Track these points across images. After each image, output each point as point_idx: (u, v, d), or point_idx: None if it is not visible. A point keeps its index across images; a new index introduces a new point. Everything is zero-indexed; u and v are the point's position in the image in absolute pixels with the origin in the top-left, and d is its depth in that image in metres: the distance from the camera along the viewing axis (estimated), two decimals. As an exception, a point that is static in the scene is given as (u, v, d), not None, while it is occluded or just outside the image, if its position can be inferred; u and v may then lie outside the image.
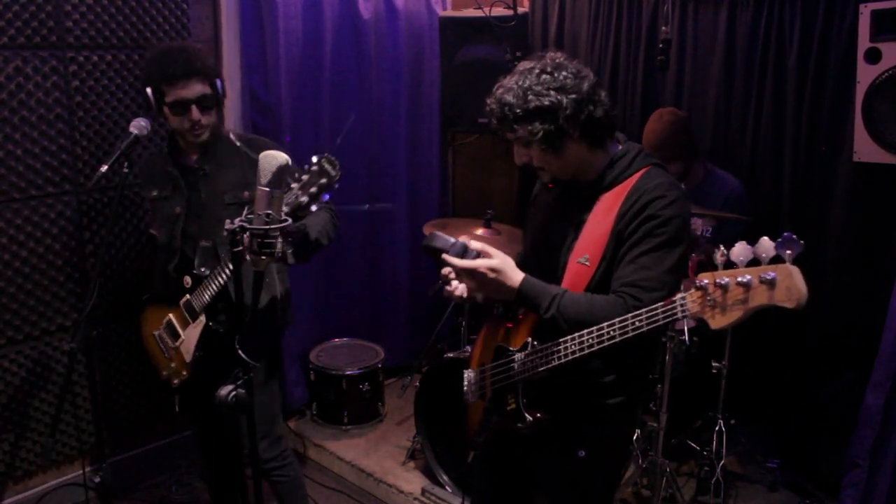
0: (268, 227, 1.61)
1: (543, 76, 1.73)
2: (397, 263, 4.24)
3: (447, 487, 3.12)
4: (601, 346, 1.65)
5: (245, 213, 1.65)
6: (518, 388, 1.85)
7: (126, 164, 2.26)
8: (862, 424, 2.57)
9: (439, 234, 1.86)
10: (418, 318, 4.24)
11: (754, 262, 1.43)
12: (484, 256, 1.77)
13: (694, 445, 3.20)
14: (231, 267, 2.18)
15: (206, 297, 2.29)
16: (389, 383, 4.06)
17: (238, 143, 2.39)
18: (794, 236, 1.38)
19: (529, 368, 1.81)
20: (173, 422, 3.38)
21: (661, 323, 1.56)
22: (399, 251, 4.23)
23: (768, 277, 1.38)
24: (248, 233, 1.62)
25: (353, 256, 4.11)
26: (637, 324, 1.59)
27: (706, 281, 1.46)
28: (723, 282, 1.43)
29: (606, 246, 1.75)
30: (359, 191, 4.05)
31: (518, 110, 1.71)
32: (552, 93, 1.71)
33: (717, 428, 3.04)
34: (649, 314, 1.58)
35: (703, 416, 3.22)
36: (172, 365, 2.45)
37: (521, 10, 3.76)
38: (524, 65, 1.78)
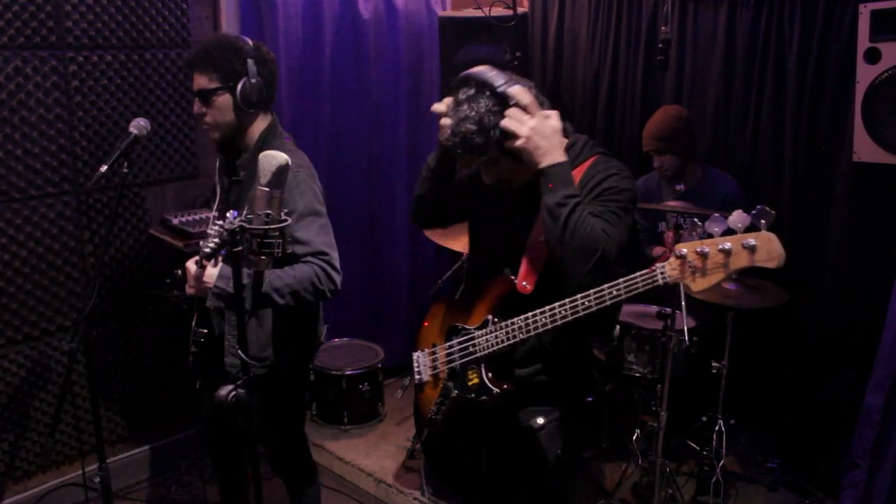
0: (267, 227, 1.61)
1: (492, 97, 1.77)
2: (397, 263, 4.24)
3: (447, 486, 3.12)
4: (575, 316, 1.73)
5: (245, 213, 1.64)
6: (480, 363, 1.93)
7: (126, 164, 2.24)
8: (862, 424, 2.57)
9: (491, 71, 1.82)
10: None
11: (728, 232, 1.60)
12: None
13: (694, 445, 3.20)
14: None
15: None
16: (389, 383, 4.06)
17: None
18: (767, 207, 1.56)
19: (493, 344, 1.89)
20: (173, 422, 3.38)
21: (640, 290, 1.67)
22: (399, 251, 4.23)
23: (750, 243, 1.55)
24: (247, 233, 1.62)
25: (353, 256, 4.11)
26: (615, 293, 1.69)
27: (685, 250, 1.62)
28: (703, 250, 1.60)
29: None
30: (358, 191, 4.05)
31: (482, 136, 1.75)
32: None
33: (716, 428, 3.04)
34: (628, 283, 1.68)
35: (702, 416, 3.22)
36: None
37: (520, 10, 3.76)
38: (465, 92, 1.81)
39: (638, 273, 1.68)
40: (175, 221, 2.90)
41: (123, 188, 2.29)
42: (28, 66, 2.72)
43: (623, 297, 1.68)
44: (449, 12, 4.05)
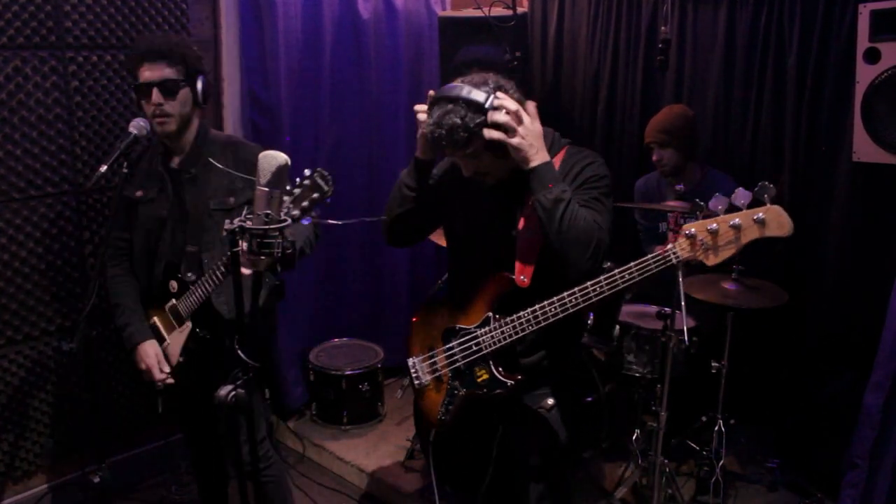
0: (267, 227, 1.61)
1: (501, 84, 1.84)
2: (397, 263, 4.23)
3: (446, 487, 3.11)
4: (587, 302, 1.80)
5: (244, 213, 1.64)
6: (488, 359, 1.98)
7: (125, 164, 2.24)
8: (862, 424, 2.57)
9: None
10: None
11: (732, 208, 1.69)
12: None
13: (694, 445, 3.20)
14: (219, 274, 2.17)
15: (192, 302, 2.27)
16: (389, 383, 4.06)
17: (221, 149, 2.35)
18: (767, 182, 1.66)
19: (500, 339, 1.94)
20: (166, 420, 3.38)
21: (653, 272, 1.75)
22: (399, 251, 4.23)
23: (760, 217, 1.66)
24: (246, 234, 1.62)
25: (353, 256, 4.11)
26: (627, 276, 1.76)
27: (694, 230, 1.71)
28: (713, 227, 1.69)
29: None
30: (358, 191, 4.05)
31: (466, 129, 1.78)
32: None
33: (716, 428, 3.04)
34: (640, 265, 1.76)
35: (702, 416, 3.22)
36: (167, 370, 2.41)
37: (520, 10, 3.76)
38: (448, 88, 1.85)
39: (650, 256, 1.75)
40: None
41: (123, 188, 2.30)
42: (28, 66, 2.72)
43: (636, 279, 1.75)
44: (449, 12, 4.04)
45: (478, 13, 3.64)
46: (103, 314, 3.04)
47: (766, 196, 1.65)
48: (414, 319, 2.19)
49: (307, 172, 1.78)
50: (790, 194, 3.23)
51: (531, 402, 2.06)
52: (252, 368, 1.73)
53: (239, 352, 1.71)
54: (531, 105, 1.87)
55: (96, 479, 2.28)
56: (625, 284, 1.77)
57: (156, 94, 2.20)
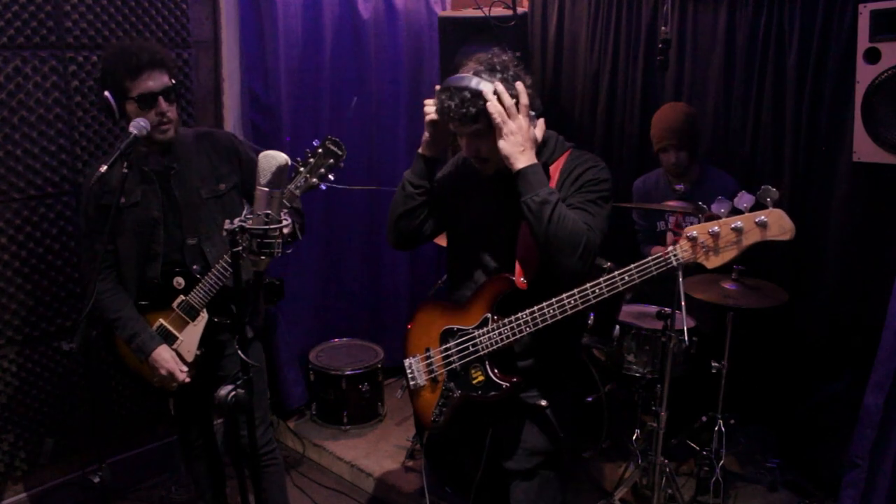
0: (267, 227, 1.61)
1: (511, 71, 1.85)
2: (397, 263, 4.23)
3: (446, 487, 3.12)
4: (586, 304, 1.80)
5: (244, 213, 1.64)
6: (484, 360, 1.97)
7: (126, 164, 2.24)
8: (862, 424, 2.57)
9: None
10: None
11: (734, 211, 1.69)
12: None
13: (693, 445, 3.20)
14: (228, 260, 2.19)
15: (204, 293, 2.29)
16: (389, 383, 4.06)
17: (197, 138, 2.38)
18: (769, 186, 1.66)
19: (497, 341, 1.93)
20: (172, 422, 3.38)
21: (653, 274, 1.75)
22: (399, 251, 4.23)
23: (762, 220, 1.66)
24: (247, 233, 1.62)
25: (353, 256, 4.11)
26: (627, 278, 1.76)
27: (695, 232, 1.71)
28: (715, 230, 1.69)
29: None
30: (358, 192, 4.04)
31: (476, 105, 1.80)
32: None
33: (716, 428, 3.04)
34: (640, 267, 1.76)
35: (702, 416, 3.22)
36: (186, 369, 2.40)
37: (520, 10, 3.76)
38: (471, 65, 1.86)
39: (650, 258, 1.76)
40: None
41: (123, 188, 2.29)
42: (28, 66, 2.72)
43: (636, 281, 1.76)
44: (449, 12, 4.04)
45: (478, 13, 3.64)
46: (103, 314, 3.04)
47: (768, 199, 1.65)
48: (411, 322, 2.18)
49: (316, 142, 1.81)
50: (790, 194, 3.23)
51: (524, 402, 2.05)
52: (254, 367, 1.73)
53: (239, 352, 1.71)
54: (541, 124, 1.88)
55: (96, 479, 2.28)
56: (624, 286, 1.77)
57: (163, 103, 2.21)
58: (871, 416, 2.53)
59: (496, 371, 1.97)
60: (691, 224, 3.26)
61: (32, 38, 2.72)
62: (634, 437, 3.11)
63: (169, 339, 2.37)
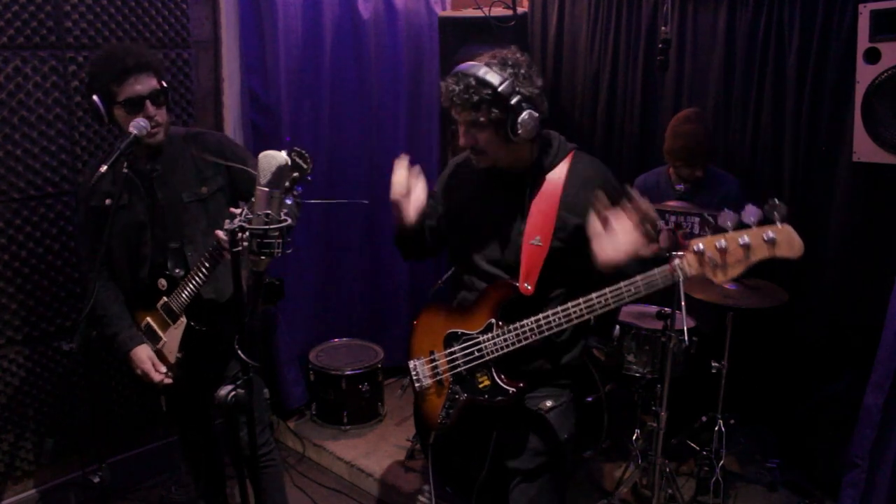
0: (267, 227, 1.61)
1: (522, 70, 1.85)
2: (397, 263, 4.23)
3: (446, 487, 3.12)
4: (591, 314, 1.80)
5: (244, 213, 1.64)
6: (490, 365, 1.96)
7: (126, 164, 2.24)
8: (862, 424, 2.57)
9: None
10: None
11: (741, 226, 1.64)
12: None
13: (693, 445, 3.20)
14: (205, 267, 2.18)
15: (184, 297, 2.27)
16: (389, 383, 4.06)
17: (189, 142, 2.36)
18: (777, 201, 1.61)
19: (502, 347, 1.93)
20: (170, 418, 3.38)
21: (659, 287, 1.73)
22: (399, 251, 4.23)
23: (770, 236, 1.61)
24: (247, 233, 1.61)
25: (353, 256, 4.11)
26: (633, 290, 1.75)
27: (702, 246, 1.67)
28: (722, 244, 1.65)
29: (555, 225, 1.91)
30: (358, 190, 4.05)
31: (479, 93, 1.80)
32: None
33: (716, 428, 3.04)
34: (647, 279, 1.73)
35: (702, 416, 3.22)
36: (164, 370, 2.40)
37: (520, 10, 3.76)
38: (484, 57, 1.86)
39: (657, 270, 1.74)
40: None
41: (123, 188, 2.30)
42: (28, 66, 2.72)
43: (642, 293, 1.74)
44: (449, 12, 4.05)
45: (478, 13, 3.64)
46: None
47: (776, 214, 1.61)
48: (416, 321, 2.18)
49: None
50: (790, 194, 3.23)
51: (529, 404, 2.05)
52: (253, 367, 1.73)
53: (239, 352, 1.71)
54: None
55: (96, 479, 2.28)
56: (630, 298, 1.75)
57: (150, 107, 2.19)
58: (871, 416, 2.54)
59: (503, 376, 1.96)
60: (692, 225, 3.27)
61: (32, 38, 2.72)
62: (634, 437, 3.11)
63: (154, 338, 2.38)
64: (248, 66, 3.41)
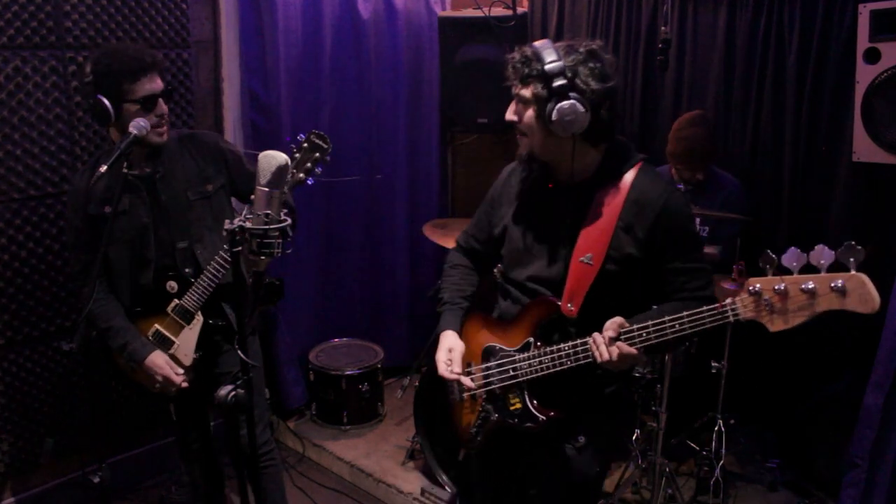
0: (267, 227, 1.61)
1: (590, 63, 1.73)
2: (397, 263, 4.24)
3: (446, 487, 3.12)
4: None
5: (244, 213, 1.64)
6: (524, 387, 1.85)
7: (126, 164, 2.24)
8: (862, 424, 2.57)
9: None
10: (418, 318, 4.24)
11: (809, 268, 1.44)
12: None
13: (693, 445, 3.20)
14: (220, 261, 2.19)
15: (200, 296, 2.27)
16: (389, 383, 4.06)
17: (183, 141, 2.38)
18: (854, 243, 1.42)
19: (537, 369, 1.82)
20: (187, 427, 3.38)
21: (707, 327, 1.58)
22: (399, 251, 4.23)
23: (838, 286, 1.42)
24: (246, 233, 1.61)
25: (353, 256, 4.11)
26: (678, 327, 1.61)
27: (759, 286, 1.48)
28: (781, 288, 1.45)
29: (610, 245, 1.77)
30: (358, 191, 4.05)
31: (529, 67, 1.73)
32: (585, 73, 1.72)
33: (716, 428, 3.04)
34: (693, 318, 1.59)
35: (702, 416, 3.22)
36: (182, 372, 2.38)
37: (520, 9, 3.76)
38: (561, 42, 1.78)
39: (706, 308, 1.59)
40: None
41: (123, 188, 2.29)
42: (28, 66, 2.71)
43: (687, 332, 1.60)
44: (448, 12, 4.05)
45: (478, 13, 3.64)
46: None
47: (851, 260, 1.42)
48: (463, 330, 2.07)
49: (301, 136, 1.77)
50: (790, 194, 3.23)
51: (561, 438, 1.91)
52: (254, 367, 1.73)
53: (238, 352, 1.71)
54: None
55: (96, 479, 2.28)
56: (674, 335, 1.61)
57: (162, 105, 2.21)
58: (871, 416, 2.53)
59: (535, 402, 1.84)
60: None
61: (32, 38, 2.72)
62: (634, 437, 3.11)
63: (165, 343, 2.35)
64: (247, 66, 3.41)
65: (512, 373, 1.87)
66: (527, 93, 1.75)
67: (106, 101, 2.15)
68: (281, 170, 1.62)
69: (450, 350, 1.97)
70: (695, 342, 2.96)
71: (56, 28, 2.77)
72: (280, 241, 1.64)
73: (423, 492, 3.19)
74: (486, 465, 2.13)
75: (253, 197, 1.64)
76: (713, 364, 2.99)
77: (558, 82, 1.68)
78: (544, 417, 1.83)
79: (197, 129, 3.13)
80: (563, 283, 1.82)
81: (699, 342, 3.01)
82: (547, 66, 1.69)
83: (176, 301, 2.32)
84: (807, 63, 3.09)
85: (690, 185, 3.22)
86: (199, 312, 2.32)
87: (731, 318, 1.54)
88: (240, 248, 1.63)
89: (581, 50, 1.72)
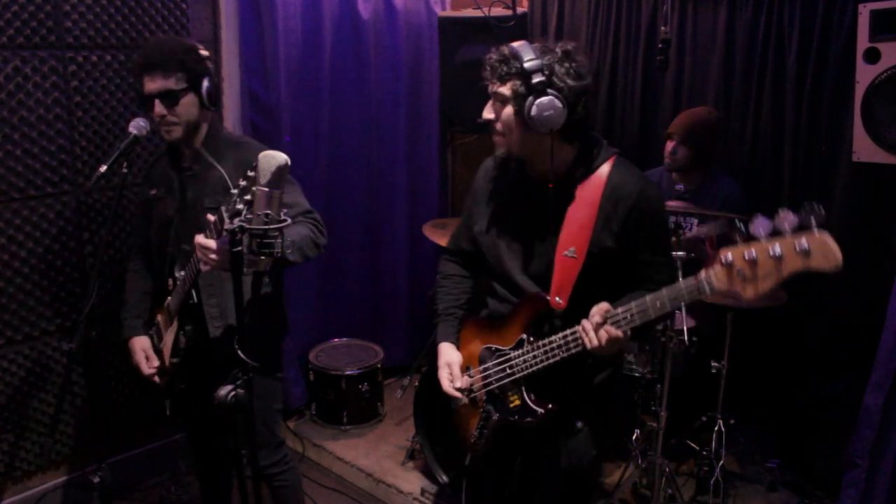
0: (267, 227, 1.61)
1: (565, 62, 1.77)
2: (397, 263, 4.24)
3: (446, 488, 3.11)
4: (618, 330, 1.71)
5: (244, 213, 1.64)
6: (520, 384, 1.89)
7: (125, 164, 2.24)
8: (861, 424, 2.57)
9: None
10: (418, 318, 4.24)
11: (775, 233, 1.48)
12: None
13: (693, 445, 3.20)
14: (193, 271, 2.15)
15: (177, 301, 2.27)
16: (389, 383, 4.06)
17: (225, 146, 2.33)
18: (816, 205, 1.48)
19: (532, 364, 1.85)
20: (172, 423, 3.38)
21: (685, 301, 1.64)
22: (399, 251, 4.24)
23: (804, 247, 1.46)
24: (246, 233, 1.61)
25: (353, 256, 4.11)
26: (659, 305, 1.66)
27: (731, 256, 1.52)
28: (752, 255, 1.50)
29: (591, 239, 1.83)
30: (358, 191, 4.05)
31: (508, 66, 1.77)
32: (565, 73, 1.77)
33: (716, 428, 3.04)
34: (672, 294, 1.64)
35: (702, 416, 3.22)
36: (156, 365, 2.42)
37: (520, 9, 3.76)
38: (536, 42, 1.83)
39: (682, 283, 1.64)
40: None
41: (123, 188, 2.29)
42: (27, 66, 2.71)
43: (668, 309, 1.66)
44: (448, 12, 4.05)
45: (478, 13, 3.64)
46: (103, 314, 3.04)
47: (812, 220, 1.47)
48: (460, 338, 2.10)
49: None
50: (790, 194, 3.23)
51: (559, 426, 1.97)
52: (253, 368, 1.73)
53: (238, 352, 1.71)
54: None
55: (96, 479, 2.28)
56: (656, 315, 1.67)
57: (158, 107, 2.18)
58: (870, 416, 2.53)
59: (532, 396, 1.89)
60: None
61: (32, 38, 2.72)
62: (634, 437, 3.11)
63: (159, 336, 2.40)
64: (247, 66, 3.41)
65: (508, 371, 1.91)
66: (505, 90, 1.79)
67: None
68: (281, 170, 1.62)
69: (448, 365, 2.03)
70: (695, 342, 2.96)
71: (56, 28, 2.77)
72: (280, 240, 1.64)
73: (423, 492, 3.20)
74: (489, 463, 2.15)
75: (252, 197, 1.63)
76: (713, 364, 2.99)
77: (537, 79, 1.73)
78: (542, 411, 1.88)
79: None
80: (549, 277, 1.87)
81: (699, 342, 3.01)
82: (526, 64, 1.74)
83: (168, 298, 2.34)
84: (807, 63, 3.10)
85: (691, 186, 3.22)
86: (176, 320, 2.31)
87: (708, 291, 1.59)
88: (240, 247, 1.63)
89: (557, 50, 1.78)
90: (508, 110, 1.80)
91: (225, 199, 2.06)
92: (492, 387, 1.94)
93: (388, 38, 3.94)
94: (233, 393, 1.71)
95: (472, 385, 2.00)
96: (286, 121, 3.57)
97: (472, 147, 4.37)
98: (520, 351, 1.89)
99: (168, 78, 2.16)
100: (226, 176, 2.13)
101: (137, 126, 2.26)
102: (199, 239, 1.92)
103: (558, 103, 1.73)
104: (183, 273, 2.25)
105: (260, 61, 3.47)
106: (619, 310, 1.71)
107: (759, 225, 1.50)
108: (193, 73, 2.19)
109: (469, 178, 4.64)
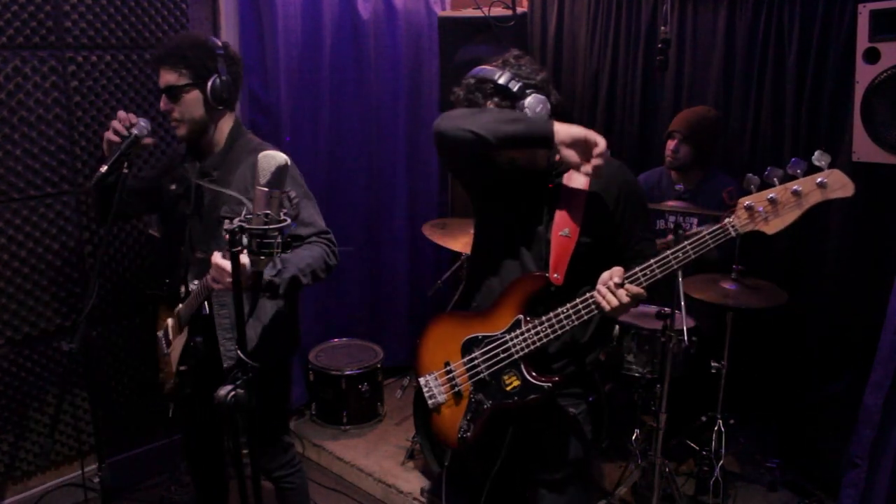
0: (267, 227, 1.61)
1: (509, 66, 1.89)
2: (397, 263, 4.24)
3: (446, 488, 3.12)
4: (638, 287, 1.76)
5: (244, 213, 1.64)
6: (518, 364, 1.91)
7: (126, 164, 2.23)
8: (861, 424, 2.57)
9: None
10: (418, 318, 4.24)
11: (788, 178, 1.67)
12: None
13: (693, 445, 3.20)
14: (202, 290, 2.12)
15: (188, 311, 2.22)
16: (389, 383, 4.06)
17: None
18: (821, 151, 1.66)
19: (533, 341, 1.87)
20: (172, 423, 3.38)
21: (710, 246, 1.71)
22: (399, 251, 4.23)
23: (822, 181, 1.64)
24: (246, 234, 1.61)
25: (353, 256, 4.11)
26: (682, 255, 1.72)
27: (751, 202, 1.67)
28: (773, 196, 1.66)
29: (584, 219, 1.90)
30: (358, 191, 4.05)
31: (482, 90, 1.85)
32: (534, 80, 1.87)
33: (716, 428, 3.04)
34: (695, 242, 1.71)
35: (702, 416, 3.22)
36: (164, 370, 2.41)
37: (520, 9, 3.76)
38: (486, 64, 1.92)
39: (705, 229, 1.73)
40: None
41: (123, 189, 2.28)
42: (27, 66, 2.71)
43: (691, 258, 1.72)
44: (448, 12, 4.05)
45: (478, 13, 3.64)
46: (103, 314, 3.05)
47: (823, 162, 1.64)
48: (424, 335, 2.10)
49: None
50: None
51: (560, 407, 1.99)
52: (253, 369, 1.73)
53: (238, 352, 1.71)
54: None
55: (96, 479, 2.28)
56: (679, 264, 1.73)
57: (163, 101, 2.17)
58: (870, 416, 2.54)
59: (533, 373, 1.90)
60: (692, 225, 3.27)
61: (32, 38, 2.72)
62: (634, 437, 3.11)
63: (168, 342, 2.37)
64: (247, 66, 3.38)
65: (503, 354, 1.91)
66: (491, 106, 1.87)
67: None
68: (280, 170, 1.62)
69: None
70: (695, 342, 2.96)
71: (56, 28, 2.77)
72: (280, 241, 1.63)
73: (422, 492, 3.20)
74: (480, 457, 2.13)
75: (252, 197, 1.63)
76: (713, 364, 2.99)
77: (515, 87, 1.83)
78: (549, 384, 1.89)
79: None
80: (546, 258, 1.91)
81: (699, 342, 3.01)
82: (500, 80, 1.84)
83: (180, 305, 2.29)
84: (807, 63, 3.10)
85: (691, 185, 3.22)
86: (186, 329, 2.26)
87: (733, 234, 1.69)
88: (239, 247, 1.63)
89: (510, 60, 1.91)
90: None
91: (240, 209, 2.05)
92: (481, 375, 1.94)
93: (388, 38, 3.94)
94: (233, 393, 1.71)
95: (453, 380, 1.98)
96: (286, 121, 3.57)
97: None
98: (517, 332, 1.90)
99: (172, 73, 2.14)
100: (237, 194, 2.12)
101: (138, 126, 2.25)
102: (217, 259, 1.86)
103: (541, 96, 1.84)
104: (197, 283, 2.18)
105: (260, 61, 3.47)
106: (637, 268, 1.76)
107: (773, 174, 1.67)
108: (199, 70, 2.14)
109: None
